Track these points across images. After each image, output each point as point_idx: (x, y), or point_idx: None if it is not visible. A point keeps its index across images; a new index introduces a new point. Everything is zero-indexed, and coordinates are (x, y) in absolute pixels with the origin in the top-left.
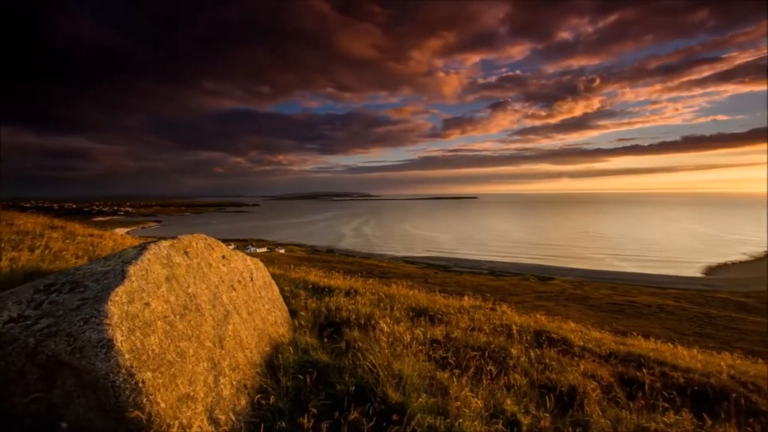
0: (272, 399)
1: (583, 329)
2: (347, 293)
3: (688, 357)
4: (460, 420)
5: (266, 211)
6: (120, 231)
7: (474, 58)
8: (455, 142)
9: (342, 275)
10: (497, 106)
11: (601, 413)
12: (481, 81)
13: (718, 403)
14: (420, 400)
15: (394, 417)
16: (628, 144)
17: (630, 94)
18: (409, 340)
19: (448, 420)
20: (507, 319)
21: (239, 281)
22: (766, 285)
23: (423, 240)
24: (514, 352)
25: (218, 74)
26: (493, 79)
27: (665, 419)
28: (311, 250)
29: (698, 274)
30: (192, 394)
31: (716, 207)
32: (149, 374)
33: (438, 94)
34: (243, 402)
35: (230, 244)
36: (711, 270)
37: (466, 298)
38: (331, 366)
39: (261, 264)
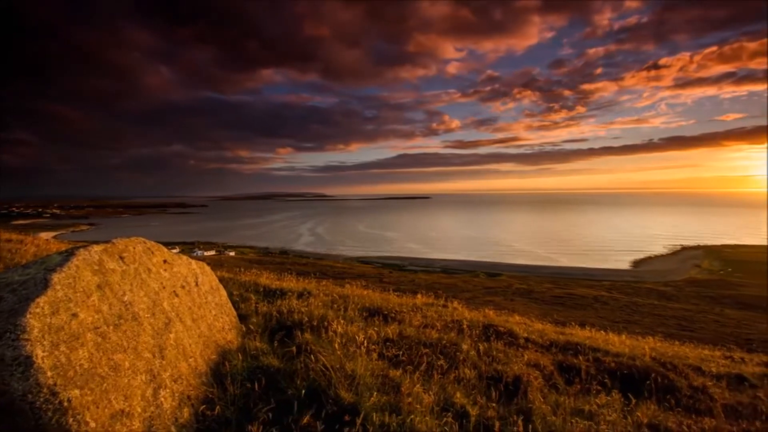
0: (218, 409)
1: (527, 321)
2: (300, 295)
3: (618, 343)
4: (412, 416)
5: (215, 213)
6: (45, 235)
7: (482, 46)
8: (446, 138)
9: (295, 277)
10: (490, 100)
11: (542, 400)
12: (482, 75)
13: (643, 383)
14: (372, 399)
15: (347, 418)
16: (616, 144)
17: (626, 93)
18: (362, 339)
19: (400, 417)
20: (458, 315)
21: (183, 287)
22: (680, 275)
23: (378, 240)
24: (464, 346)
25: (170, 52)
26: (496, 73)
27: (598, 401)
28: (263, 252)
29: (627, 267)
30: (128, 409)
31: (666, 206)
32: (76, 392)
33: (432, 87)
34: (186, 414)
35: (174, 248)
36: (638, 263)
37: (419, 296)
38: (282, 370)
39: (207, 268)
